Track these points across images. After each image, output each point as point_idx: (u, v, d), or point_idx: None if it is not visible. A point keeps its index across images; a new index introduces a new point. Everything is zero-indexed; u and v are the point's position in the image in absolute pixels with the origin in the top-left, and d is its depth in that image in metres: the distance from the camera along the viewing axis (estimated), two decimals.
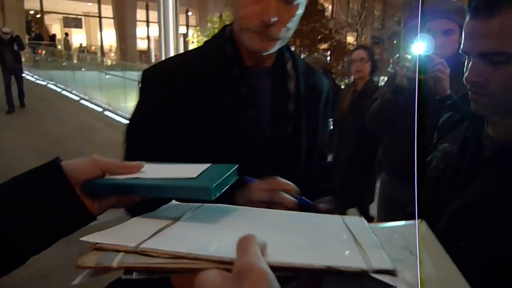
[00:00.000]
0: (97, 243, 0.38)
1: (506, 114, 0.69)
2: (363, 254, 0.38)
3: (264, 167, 0.79)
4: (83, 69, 11.05)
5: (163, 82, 0.79)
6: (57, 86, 10.93)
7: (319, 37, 8.72)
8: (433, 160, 0.86)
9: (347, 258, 0.38)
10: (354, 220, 0.51)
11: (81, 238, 0.39)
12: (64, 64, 12.56)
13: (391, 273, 0.35)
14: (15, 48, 7.00)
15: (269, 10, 0.69)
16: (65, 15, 19.78)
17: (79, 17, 20.26)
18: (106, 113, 7.74)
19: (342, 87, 7.62)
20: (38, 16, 18.53)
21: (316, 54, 7.30)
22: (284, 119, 0.83)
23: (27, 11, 17.60)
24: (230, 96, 0.78)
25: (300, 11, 0.75)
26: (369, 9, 13.92)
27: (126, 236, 0.41)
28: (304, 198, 0.70)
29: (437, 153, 0.86)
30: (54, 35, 19.08)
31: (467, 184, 0.73)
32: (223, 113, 0.78)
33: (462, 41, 0.70)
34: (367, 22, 13.71)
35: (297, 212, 0.60)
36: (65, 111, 7.95)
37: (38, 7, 18.01)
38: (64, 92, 10.17)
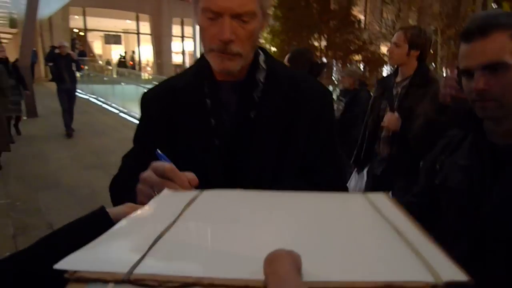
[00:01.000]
0: (76, 271, 0.28)
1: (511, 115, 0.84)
2: (422, 259, 0.30)
3: (220, 175, 0.82)
4: (122, 84, 11.56)
5: (146, 102, 0.92)
6: (98, 100, 11.49)
7: (352, 49, 8.65)
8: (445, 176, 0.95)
9: (406, 268, 0.29)
10: (383, 201, 0.44)
11: (54, 266, 0.29)
12: (105, 78, 13.19)
13: (466, 286, 0.27)
14: (74, 68, 7.03)
15: (224, 30, 0.75)
16: (106, 32, 20.85)
17: (118, 34, 21.29)
18: None
19: None
20: (82, 33, 19.64)
21: (350, 66, 7.23)
22: (243, 127, 0.83)
23: (72, 29, 18.72)
24: (194, 108, 0.85)
25: (256, 26, 0.80)
26: (403, 19, 13.65)
27: (113, 255, 0.32)
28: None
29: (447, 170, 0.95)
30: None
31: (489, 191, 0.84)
32: (184, 123, 0.85)
33: (459, 62, 0.88)
34: None
35: (305, 193, 0.50)
36: (106, 124, 8.33)
37: (82, 26, 19.12)
38: (104, 106, 10.67)
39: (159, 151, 0.67)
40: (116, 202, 0.82)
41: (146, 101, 0.93)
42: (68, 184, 4.38)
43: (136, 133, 0.94)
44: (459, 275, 0.28)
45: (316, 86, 0.91)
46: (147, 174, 0.61)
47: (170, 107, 0.86)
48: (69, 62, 6.84)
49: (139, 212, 0.44)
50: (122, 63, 20.02)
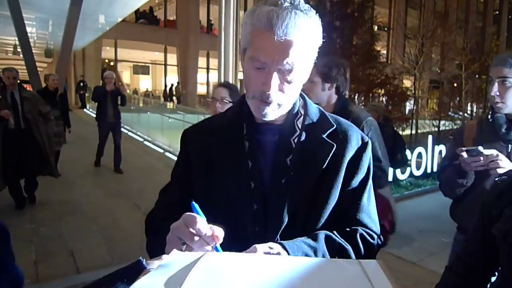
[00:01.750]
0: None
1: None
2: None
3: (253, 218, 0.83)
4: (148, 113, 11.91)
5: (186, 139, 0.95)
6: (124, 128, 11.83)
7: (375, 82, 8.67)
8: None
9: None
10: (375, 269, 0.51)
11: None
12: (132, 107, 13.63)
13: None
14: (119, 102, 6.31)
15: (268, 82, 0.78)
16: (135, 63, 21.77)
17: (147, 65, 22.18)
18: (167, 154, 8.18)
19: (401, 133, 7.39)
20: (112, 64, 20.58)
21: (374, 101, 7.21)
22: (280, 171, 0.84)
23: (103, 60, 19.67)
24: (232, 149, 0.87)
25: (300, 79, 0.83)
26: (427, 54, 13.62)
27: None
28: (218, 249, 0.68)
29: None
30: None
31: None
32: (222, 164, 0.86)
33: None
34: (425, 67, 13.39)
35: (306, 262, 0.57)
36: (130, 151, 8.51)
37: (112, 57, 20.07)
38: (130, 134, 10.97)
39: (194, 203, 0.69)
40: (150, 240, 0.87)
41: (187, 138, 0.95)
42: (90, 212, 4.45)
43: (174, 168, 0.96)
44: None
45: (354, 133, 0.90)
46: (178, 224, 0.66)
47: (209, 146, 0.88)
48: (115, 97, 6.18)
49: (145, 279, 0.51)
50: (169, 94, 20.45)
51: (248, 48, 0.81)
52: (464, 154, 1.42)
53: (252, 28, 0.79)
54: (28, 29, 9.29)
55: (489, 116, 1.62)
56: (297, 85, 0.83)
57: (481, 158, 1.38)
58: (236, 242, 0.75)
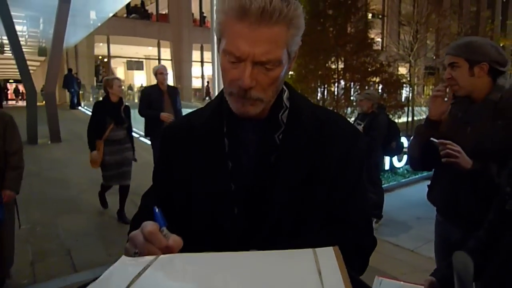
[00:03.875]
0: None
1: None
2: None
3: (235, 223, 0.78)
4: None
5: (165, 138, 0.90)
6: None
7: (369, 70, 8.62)
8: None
9: None
10: (328, 257, 0.52)
11: None
12: (126, 104, 13.55)
13: None
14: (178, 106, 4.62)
15: (245, 77, 0.70)
16: (129, 59, 21.60)
17: (140, 60, 22.01)
18: None
19: (396, 120, 7.37)
20: (105, 60, 20.42)
21: (367, 89, 7.19)
22: (263, 171, 0.78)
23: (96, 56, 19.50)
24: (211, 148, 0.81)
25: (281, 73, 0.74)
26: (421, 40, 13.57)
27: None
28: (162, 219, 0.65)
29: None
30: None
31: None
32: (200, 164, 0.81)
33: None
34: (420, 53, 13.35)
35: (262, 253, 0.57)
36: None
37: (105, 53, 19.90)
38: None
39: (156, 209, 0.65)
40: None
41: (166, 136, 0.89)
42: (87, 210, 4.43)
43: (154, 170, 0.92)
44: None
45: (344, 126, 0.83)
46: (135, 233, 0.62)
47: (187, 145, 0.83)
48: (174, 98, 4.56)
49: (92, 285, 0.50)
50: None
51: (222, 38, 0.73)
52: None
53: (224, 16, 0.70)
54: (19, 28, 9.19)
55: (452, 101, 1.68)
56: (278, 78, 0.74)
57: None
58: (217, 247, 0.69)
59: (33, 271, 3.00)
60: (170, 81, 21.16)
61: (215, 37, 0.77)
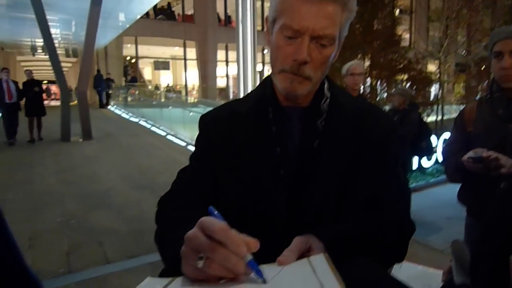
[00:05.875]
0: None
1: None
2: None
3: (283, 207, 0.78)
4: (170, 107, 12.09)
5: (207, 124, 0.90)
6: (147, 123, 12.07)
7: (398, 68, 8.43)
8: None
9: None
10: (319, 261, 0.56)
11: None
12: (154, 103, 13.87)
13: None
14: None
15: (302, 50, 0.72)
16: (156, 59, 22.06)
17: (167, 60, 22.43)
18: (189, 147, 8.29)
19: (425, 119, 7.18)
20: (133, 61, 20.93)
21: (400, 85, 7.05)
22: (307, 156, 0.79)
23: (125, 57, 20.03)
24: (259, 135, 0.82)
25: (332, 53, 0.76)
26: (452, 36, 13.15)
27: None
28: (259, 269, 0.53)
29: None
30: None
31: None
32: (249, 150, 0.81)
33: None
34: (450, 50, 12.94)
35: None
36: (154, 146, 8.69)
37: (133, 54, 20.40)
38: (153, 128, 11.18)
39: (212, 208, 0.57)
40: (159, 233, 0.79)
41: (207, 122, 0.90)
42: (118, 204, 4.59)
43: (195, 151, 0.92)
44: None
45: (382, 117, 0.86)
46: (194, 233, 0.53)
47: (234, 131, 0.84)
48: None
49: None
50: None
51: (279, 17, 0.75)
52: (468, 162, 1.42)
53: None
54: (52, 30, 9.56)
55: (488, 96, 1.57)
56: (330, 59, 0.77)
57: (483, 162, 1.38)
58: (263, 233, 0.70)
59: (68, 261, 3.14)
60: (196, 81, 21.57)
61: (268, 21, 0.79)
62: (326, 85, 0.86)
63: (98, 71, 16.89)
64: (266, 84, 0.87)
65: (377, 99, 8.11)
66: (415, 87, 8.43)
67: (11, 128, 8.38)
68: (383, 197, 0.81)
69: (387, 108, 4.81)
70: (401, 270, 0.98)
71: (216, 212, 0.56)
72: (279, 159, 0.80)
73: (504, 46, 1.46)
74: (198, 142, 0.92)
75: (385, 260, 0.80)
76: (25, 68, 8.78)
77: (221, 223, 0.52)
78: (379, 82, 8.26)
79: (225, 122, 0.86)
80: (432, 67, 13.37)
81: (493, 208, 0.91)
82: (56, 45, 10.20)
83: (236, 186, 0.81)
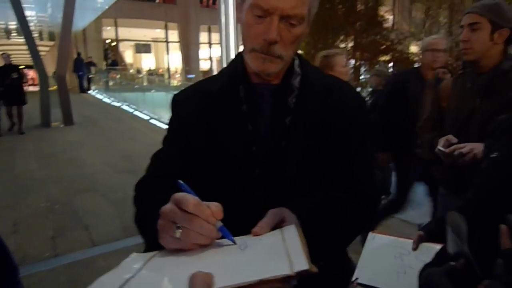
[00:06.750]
0: None
1: None
2: (290, 261, 0.48)
3: (257, 183, 0.80)
4: (152, 91, 11.92)
5: (178, 104, 0.90)
6: (130, 107, 11.90)
7: (381, 49, 8.50)
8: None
9: (276, 269, 0.47)
10: (290, 230, 0.60)
11: None
12: (136, 86, 13.64)
13: (309, 272, 0.45)
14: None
15: (271, 30, 0.72)
16: (137, 42, 21.57)
17: (148, 43, 21.96)
18: None
19: None
20: (114, 44, 20.41)
21: (377, 66, 7.12)
22: (279, 133, 0.81)
23: (104, 40, 19.51)
24: (230, 113, 0.83)
25: (302, 31, 0.77)
26: (434, 17, 13.27)
27: None
28: (228, 233, 0.59)
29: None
30: None
31: None
32: (221, 129, 0.82)
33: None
34: (432, 30, 13.05)
35: (242, 238, 0.60)
36: (137, 130, 8.61)
37: (113, 36, 19.89)
38: (136, 113, 11.04)
39: (181, 182, 0.61)
40: (138, 213, 0.81)
41: (178, 103, 0.91)
42: (102, 188, 4.57)
43: (167, 134, 0.92)
44: (304, 265, 0.46)
45: (350, 92, 0.88)
46: (169, 208, 0.57)
47: (205, 110, 0.84)
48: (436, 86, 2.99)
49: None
50: None
51: None
52: (440, 153, 1.45)
53: None
54: (27, 13, 9.21)
55: (461, 71, 1.60)
56: (300, 37, 0.78)
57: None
58: (242, 209, 0.75)
59: (54, 245, 3.15)
60: (179, 64, 21.20)
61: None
62: (297, 62, 0.87)
63: (79, 54, 16.40)
64: (237, 61, 0.87)
65: (360, 80, 8.20)
66: (397, 68, 8.54)
67: None
68: (352, 169, 0.84)
69: (369, 89, 4.88)
70: (374, 241, 1.04)
71: (184, 185, 0.61)
72: (251, 136, 0.81)
73: (465, 20, 1.50)
74: (170, 124, 0.92)
75: (355, 229, 0.84)
76: (1, 52, 8.24)
77: (193, 197, 0.57)
78: (361, 64, 8.34)
79: (197, 102, 0.87)
80: (414, 49, 13.50)
81: (479, 183, 0.96)
82: (32, 28, 9.85)
83: (209, 164, 0.82)
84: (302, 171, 0.80)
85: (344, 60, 2.53)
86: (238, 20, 0.82)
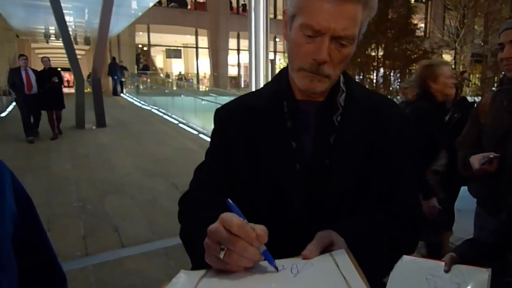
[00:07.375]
0: None
1: None
2: None
3: (301, 201, 0.79)
4: (182, 96, 12.17)
5: (221, 119, 0.89)
6: (159, 111, 12.19)
7: (413, 58, 8.31)
8: None
9: None
10: (341, 256, 0.59)
11: None
12: (166, 91, 13.96)
13: None
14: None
15: (322, 51, 0.71)
16: (167, 47, 22.11)
17: (179, 48, 22.46)
18: (201, 135, 8.38)
19: None
20: (145, 49, 21.01)
21: (411, 77, 6.96)
22: (323, 151, 0.79)
23: (137, 45, 20.12)
24: (274, 129, 0.81)
25: (351, 51, 0.76)
26: (469, 25, 12.84)
27: None
28: (271, 258, 0.59)
29: None
30: None
31: None
32: (264, 144, 0.81)
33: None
34: (466, 39, 12.65)
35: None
36: (166, 134, 8.80)
37: (146, 41, 20.48)
38: (165, 116, 11.29)
39: (230, 201, 0.61)
40: (184, 230, 0.83)
41: (221, 117, 0.90)
42: (132, 190, 4.69)
43: (210, 147, 0.92)
44: None
45: (397, 111, 0.86)
46: (215, 227, 0.58)
47: (249, 125, 0.84)
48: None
49: None
50: None
51: (298, 14, 0.74)
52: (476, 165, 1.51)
53: None
54: (66, 18, 9.65)
55: (499, 88, 1.57)
56: (348, 57, 0.77)
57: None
58: (282, 226, 0.74)
59: (85, 244, 3.25)
60: (207, 69, 21.53)
61: (287, 14, 0.78)
62: (341, 79, 0.85)
63: (113, 58, 17.00)
64: (281, 77, 0.87)
65: (391, 89, 8.04)
66: None
67: (31, 124, 7.65)
68: (398, 190, 0.82)
69: (399, 99, 4.78)
70: (402, 262, 1.01)
71: (233, 205, 0.61)
72: (295, 153, 0.80)
73: (505, 36, 1.47)
74: (213, 138, 0.92)
75: (399, 251, 0.82)
76: (42, 56, 8.50)
77: (238, 219, 0.57)
78: (392, 73, 8.17)
79: (240, 116, 0.86)
80: (447, 58, 13.12)
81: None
82: (70, 33, 10.30)
83: (252, 181, 0.82)
84: (345, 190, 0.79)
85: (450, 71, 2.36)
86: (284, 37, 0.81)
